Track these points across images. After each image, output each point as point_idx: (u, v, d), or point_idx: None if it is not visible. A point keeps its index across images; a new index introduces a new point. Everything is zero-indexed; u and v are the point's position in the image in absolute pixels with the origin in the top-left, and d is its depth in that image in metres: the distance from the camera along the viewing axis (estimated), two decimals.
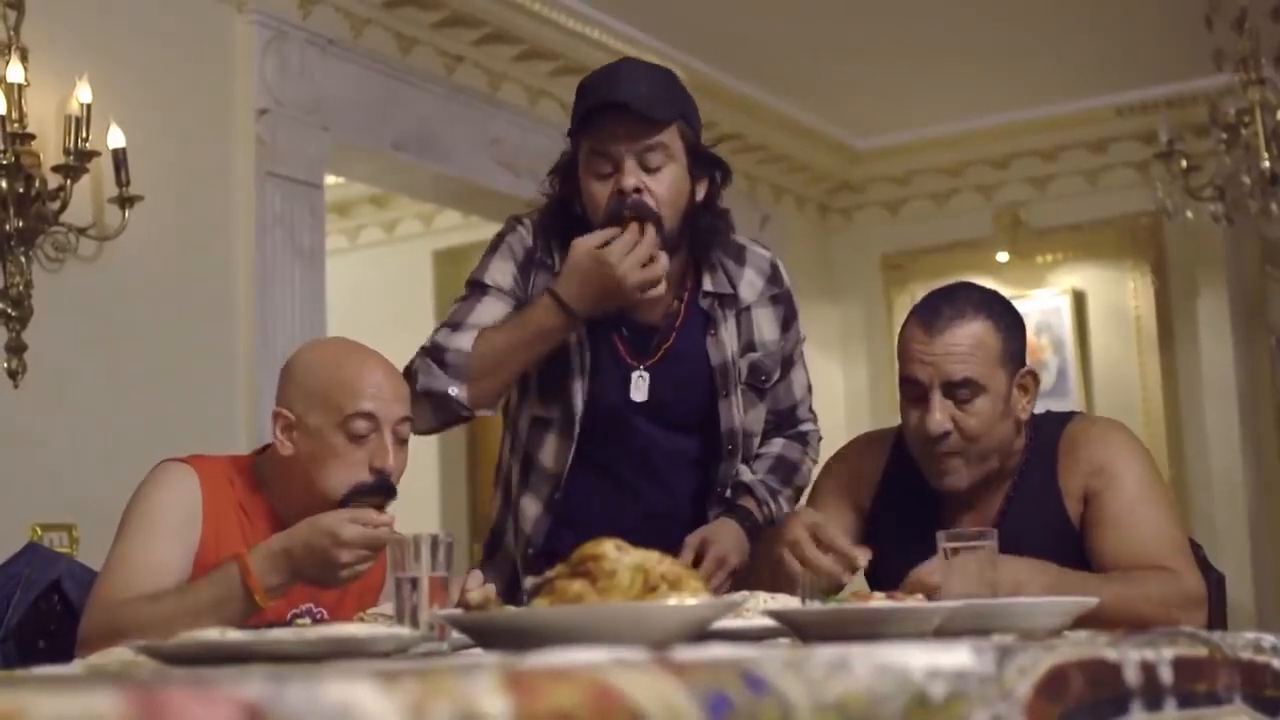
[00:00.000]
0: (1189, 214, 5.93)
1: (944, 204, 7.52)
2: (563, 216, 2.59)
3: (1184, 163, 5.80)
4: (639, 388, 2.60)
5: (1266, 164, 5.52)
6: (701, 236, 2.58)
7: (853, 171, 7.60)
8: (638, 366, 2.61)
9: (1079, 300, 7.11)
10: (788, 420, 2.80)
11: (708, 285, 2.62)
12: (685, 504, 2.67)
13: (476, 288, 2.63)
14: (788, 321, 2.71)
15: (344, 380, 2.29)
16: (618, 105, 2.44)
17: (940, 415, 2.37)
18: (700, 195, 2.56)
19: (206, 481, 2.31)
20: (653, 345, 2.62)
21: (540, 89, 5.85)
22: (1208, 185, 5.84)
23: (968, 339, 2.39)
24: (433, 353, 2.56)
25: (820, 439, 2.87)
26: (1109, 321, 7.05)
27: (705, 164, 2.57)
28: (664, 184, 2.48)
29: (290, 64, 4.81)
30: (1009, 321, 2.46)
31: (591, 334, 2.60)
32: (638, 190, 2.45)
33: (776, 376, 2.72)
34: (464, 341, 2.54)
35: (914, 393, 2.42)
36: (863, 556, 2.17)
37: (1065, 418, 2.55)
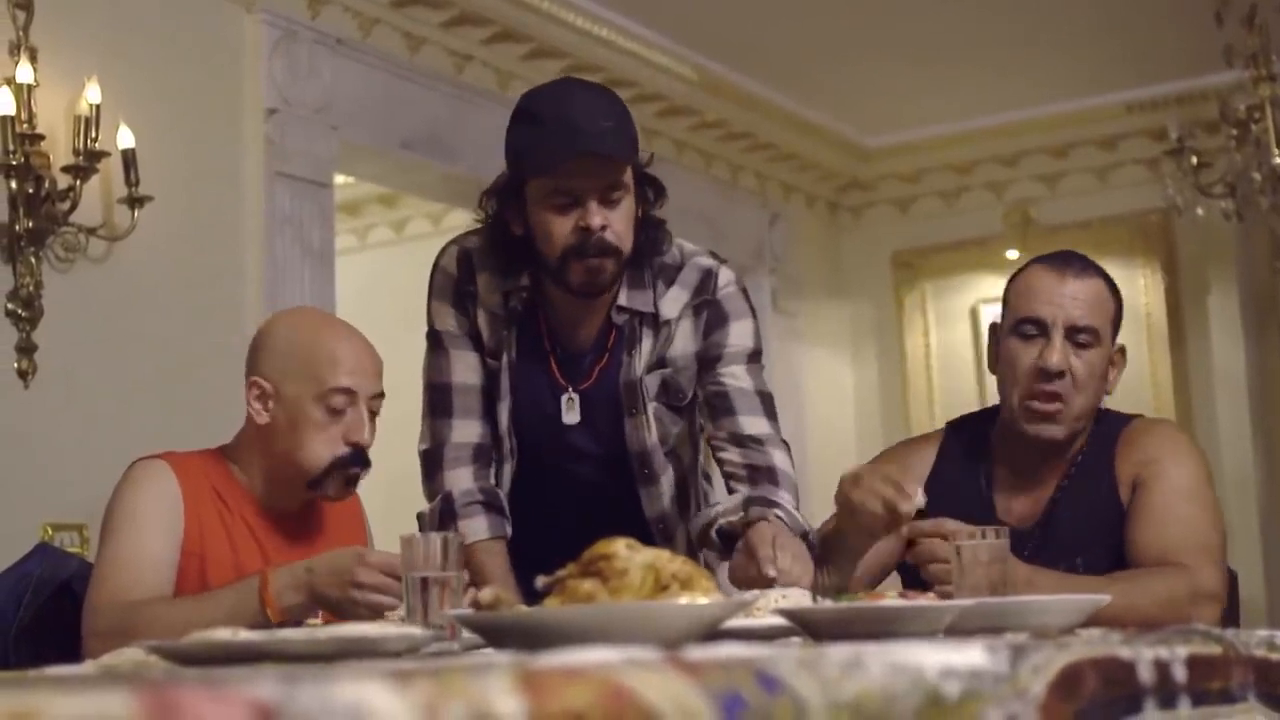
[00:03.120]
0: (1199, 211, 5.91)
1: (954, 202, 7.51)
2: (502, 239, 2.57)
3: (1194, 159, 5.79)
4: (570, 410, 2.60)
5: (1277, 160, 5.50)
6: (637, 250, 2.55)
7: (862, 169, 7.59)
8: (568, 389, 2.61)
9: None
10: (736, 439, 2.55)
11: (623, 300, 2.57)
12: (614, 530, 2.42)
13: (432, 338, 2.67)
14: (710, 328, 2.59)
15: (323, 353, 2.35)
16: (587, 153, 2.40)
17: (1060, 354, 2.44)
18: (640, 212, 2.55)
19: (182, 475, 2.35)
20: (586, 366, 2.62)
21: None
22: (1218, 182, 5.82)
23: (1093, 291, 2.50)
24: (430, 460, 2.63)
25: (794, 479, 2.55)
26: None
27: (648, 185, 2.56)
28: (622, 216, 2.47)
29: (299, 64, 4.81)
30: (1117, 292, 2.57)
31: (525, 358, 2.61)
32: (603, 228, 2.44)
33: (692, 393, 2.62)
34: (462, 479, 2.58)
35: (1032, 331, 2.49)
36: (920, 497, 2.17)
37: (1130, 417, 2.61)
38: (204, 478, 2.38)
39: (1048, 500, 2.50)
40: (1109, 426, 2.55)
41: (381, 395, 2.41)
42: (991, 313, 7.26)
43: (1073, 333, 2.46)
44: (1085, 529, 2.40)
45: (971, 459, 2.58)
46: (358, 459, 2.37)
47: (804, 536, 2.39)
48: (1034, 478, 2.53)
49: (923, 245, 7.48)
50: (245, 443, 2.42)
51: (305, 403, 2.33)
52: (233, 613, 2.10)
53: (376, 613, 2.08)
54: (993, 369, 2.60)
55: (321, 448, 2.33)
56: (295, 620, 2.18)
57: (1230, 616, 2.49)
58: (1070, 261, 2.52)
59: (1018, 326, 2.50)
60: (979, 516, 2.45)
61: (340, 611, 2.14)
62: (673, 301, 2.60)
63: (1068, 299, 2.46)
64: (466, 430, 2.62)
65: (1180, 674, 1.42)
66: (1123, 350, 2.57)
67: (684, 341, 2.61)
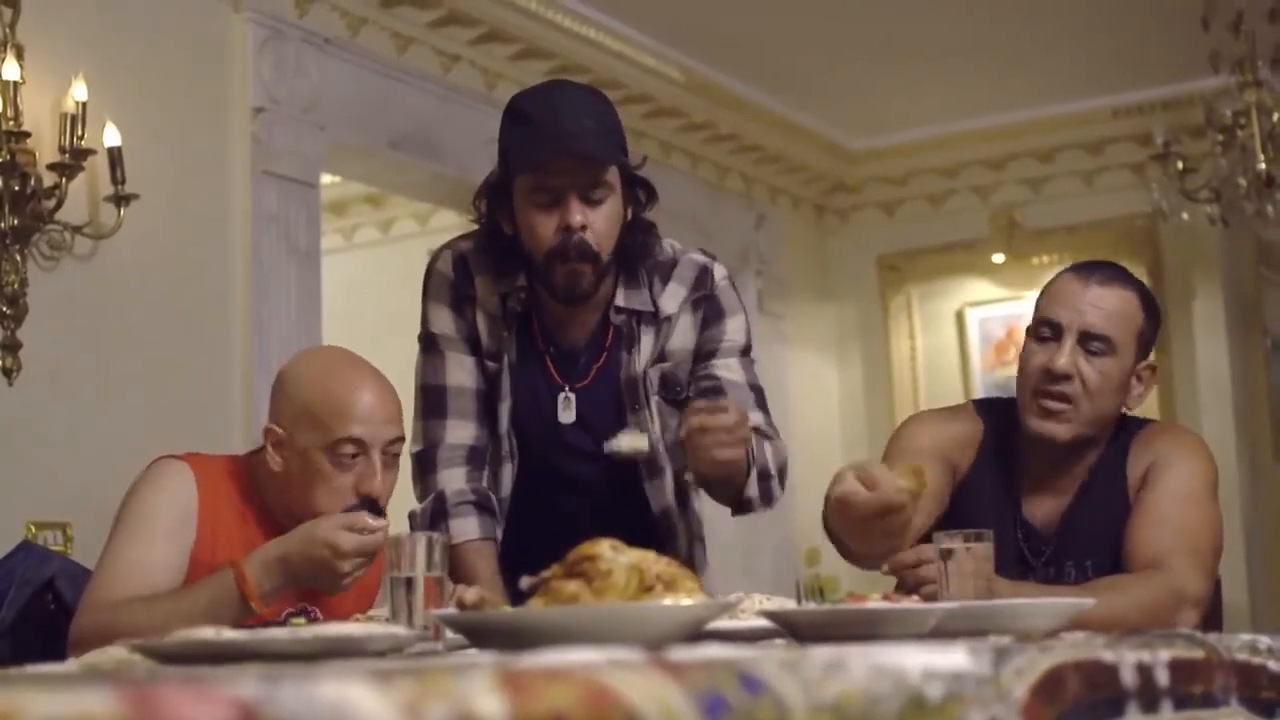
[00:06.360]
0: (1185, 216, 5.93)
1: (940, 205, 7.52)
2: (493, 241, 2.58)
3: (1180, 164, 5.80)
4: (566, 409, 2.61)
5: (1262, 166, 5.52)
6: (628, 252, 2.57)
7: (849, 172, 7.60)
8: (564, 388, 2.61)
9: None
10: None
11: (620, 301, 2.59)
12: (618, 529, 2.42)
13: (428, 342, 2.66)
14: (707, 322, 2.63)
15: (332, 402, 2.28)
16: (566, 150, 2.42)
17: (1068, 358, 2.43)
18: (629, 215, 2.56)
19: (202, 479, 2.31)
20: (582, 366, 2.62)
21: None
22: (1203, 187, 5.84)
23: (1116, 300, 2.47)
24: (423, 461, 2.62)
25: (784, 455, 2.63)
26: None
27: (637, 187, 2.57)
28: (604, 217, 2.48)
29: (286, 63, 4.81)
30: (1152, 308, 2.54)
31: (523, 358, 2.61)
32: (582, 228, 2.45)
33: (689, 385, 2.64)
34: (455, 479, 2.57)
35: (1047, 334, 2.48)
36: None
37: (1147, 420, 2.61)
38: (225, 485, 2.34)
39: (1066, 506, 2.51)
40: (1126, 432, 2.55)
41: (400, 439, 2.35)
42: (977, 316, 7.31)
43: (1086, 339, 2.44)
44: (1100, 533, 2.41)
45: (1003, 463, 2.56)
46: (368, 511, 2.28)
47: (765, 475, 2.51)
48: (1055, 484, 2.52)
49: (909, 248, 7.49)
50: (265, 469, 2.38)
51: (314, 454, 2.27)
52: (211, 607, 2.09)
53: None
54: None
55: (328, 500, 2.27)
56: (278, 619, 2.17)
57: (1213, 620, 2.50)
58: (1097, 270, 2.51)
59: (1036, 329, 2.51)
60: (1007, 524, 2.46)
61: (322, 591, 2.20)
62: (671, 297, 2.62)
63: (1086, 305, 2.45)
64: (461, 432, 2.61)
65: (1163, 678, 1.43)
66: (1153, 368, 2.52)
67: (682, 336, 2.63)
